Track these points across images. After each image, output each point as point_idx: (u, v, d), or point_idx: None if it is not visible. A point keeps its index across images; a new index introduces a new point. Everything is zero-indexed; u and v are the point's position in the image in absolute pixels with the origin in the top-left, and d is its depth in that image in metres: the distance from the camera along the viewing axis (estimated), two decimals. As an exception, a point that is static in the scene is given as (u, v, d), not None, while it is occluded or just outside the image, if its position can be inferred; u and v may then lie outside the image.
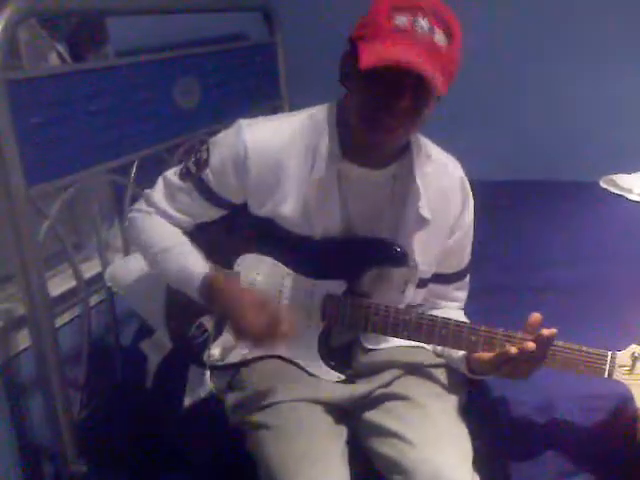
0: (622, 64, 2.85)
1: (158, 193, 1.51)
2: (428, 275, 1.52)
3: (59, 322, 1.77)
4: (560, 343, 1.31)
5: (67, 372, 1.73)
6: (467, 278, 1.59)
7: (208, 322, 1.50)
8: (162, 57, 2.08)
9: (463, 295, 1.61)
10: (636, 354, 1.30)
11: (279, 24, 2.67)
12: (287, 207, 1.42)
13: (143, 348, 1.66)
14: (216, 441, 1.57)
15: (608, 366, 1.31)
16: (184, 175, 1.48)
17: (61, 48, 1.85)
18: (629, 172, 2.82)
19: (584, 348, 1.31)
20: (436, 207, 1.45)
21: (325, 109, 1.43)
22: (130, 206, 1.67)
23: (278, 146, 1.40)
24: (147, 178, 1.59)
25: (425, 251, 1.47)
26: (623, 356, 1.30)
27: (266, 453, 1.37)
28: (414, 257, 1.45)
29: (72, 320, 1.87)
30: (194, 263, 1.43)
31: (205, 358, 1.49)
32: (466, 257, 1.57)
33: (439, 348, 1.51)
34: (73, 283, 1.84)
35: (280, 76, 2.71)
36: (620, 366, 1.30)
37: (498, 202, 2.64)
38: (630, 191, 2.75)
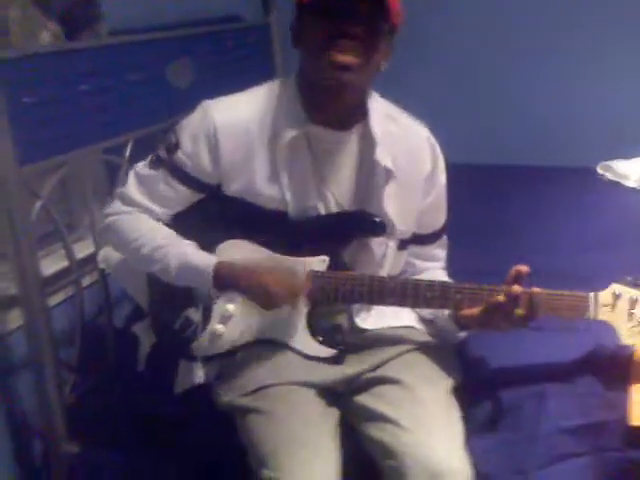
0: (622, 52, 2.84)
1: (132, 188, 1.50)
2: (407, 235, 1.54)
3: (52, 302, 1.76)
4: (543, 290, 1.34)
5: (59, 352, 1.72)
6: (445, 236, 1.63)
7: (194, 314, 1.49)
8: (156, 37, 2.06)
9: (443, 253, 1.64)
10: (617, 292, 1.35)
11: (274, 5, 2.65)
12: (258, 178, 1.43)
13: (135, 331, 1.66)
14: (208, 425, 1.57)
15: (592, 307, 1.35)
16: (155, 163, 1.48)
17: (53, 26, 1.83)
18: (627, 158, 2.81)
19: (566, 293, 1.36)
20: (405, 166, 1.48)
21: (286, 79, 1.47)
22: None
23: (245, 119, 1.42)
24: (141, 158, 1.57)
25: (400, 209, 1.48)
26: (605, 295, 1.35)
27: (256, 437, 1.37)
28: (390, 218, 1.46)
29: (65, 300, 1.87)
30: (196, 256, 1.43)
31: (194, 350, 1.49)
32: (443, 216, 1.60)
33: (426, 311, 1.54)
34: (66, 263, 1.83)
35: (275, 57, 2.70)
36: (603, 305, 1.35)
37: (493, 186, 2.63)
38: (627, 178, 2.73)
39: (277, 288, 1.37)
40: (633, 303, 1.34)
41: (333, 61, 1.30)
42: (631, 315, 1.34)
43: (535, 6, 2.90)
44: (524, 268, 1.34)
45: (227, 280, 1.41)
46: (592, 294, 1.35)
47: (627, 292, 1.34)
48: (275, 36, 2.68)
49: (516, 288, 1.31)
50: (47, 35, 1.82)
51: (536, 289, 1.33)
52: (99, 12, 1.94)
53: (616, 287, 1.35)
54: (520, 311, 1.33)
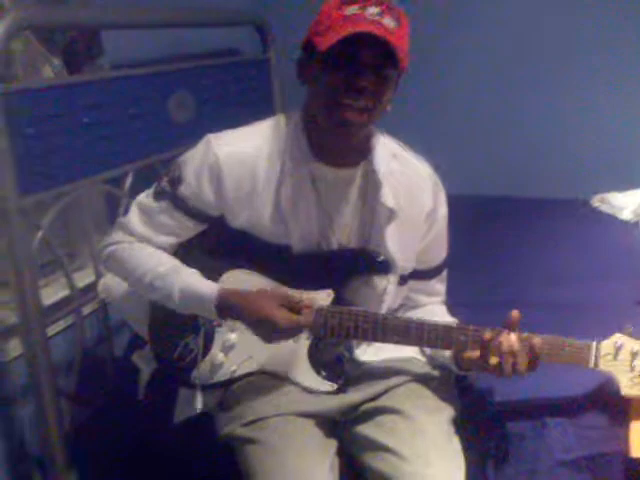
0: (618, 86, 2.86)
1: (134, 219, 1.50)
2: (408, 271, 1.53)
3: (52, 331, 1.76)
4: (546, 337, 1.33)
5: (59, 381, 1.72)
6: (445, 271, 1.62)
7: (194, 342, 1.49)
8: (156, 70, 2.09)
9: (443, 288, 1.63)
10: (619, 343, 1.34)
11: (272, 39, 2.68)
12: (263, 214, 1.43)
13: (134, 360, 1.66)
14: (207, 455, 1.56)
15: (593, 356, 1.34)
16: (159, 196, 1.48)
17: (56, 60, 1.86)
18: (620, 191, 2.83)
19: (569, 340, 1.35)
20: (407, 203, 1.48)
21: (291, 113, 1.46)
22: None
23: (249, 154, 1.42)
24: (140, 189, 1.59)
25: (401, 246, 1.48)
26: (607, 345, 1.34)
27: (254, 468, 1.36)
28: (392, 256, 1.46)
29: (65, 329, 1.87)
30: (199, 283, 1.43)
31: (193, 379, 1.48)
32: (443, 251, 1.59)
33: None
34: (66, 292, 1.84)
35: (273, 91, 2.72)
36: (604, 355, 1.34)
37: (488, 217, 2.66)
38: (621, 210, 2.75)
39: (281, 322, 1.33)
40: (634, 354, 1.34)
41: (342, 117, 1.31)
42: (632, 366, 1.33)
43: (530, 41, 2.93)
44: (518, 314, 1.33)
45: (230, 309, 1.39)
46: (595, 343, 1.34)
47: (629, 343, 1.34)
48: (274, 70, 2.70)
49: (514, 342, 1.30)
50: (50, 69, 1.85)
51: (537, 339, 1.32)
52: (100, 46, 1.97)
53: (618, 337, 1.34)
54: (524, 362, 1.31)
